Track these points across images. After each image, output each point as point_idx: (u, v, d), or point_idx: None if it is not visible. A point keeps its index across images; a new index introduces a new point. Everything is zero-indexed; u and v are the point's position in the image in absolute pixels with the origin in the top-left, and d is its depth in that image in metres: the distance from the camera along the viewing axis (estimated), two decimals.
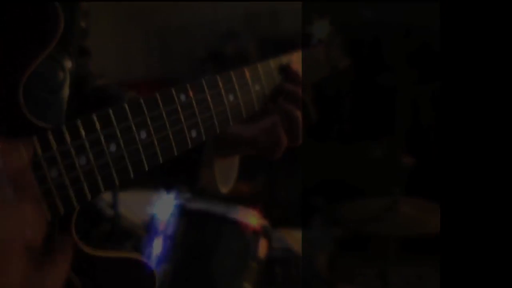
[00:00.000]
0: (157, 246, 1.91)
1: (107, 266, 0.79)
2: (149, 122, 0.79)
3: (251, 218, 1.96)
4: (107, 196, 2.47)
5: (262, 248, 1.95)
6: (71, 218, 0.75)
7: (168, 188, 2.08)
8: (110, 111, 0.75)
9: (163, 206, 1.99)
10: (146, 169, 0.80)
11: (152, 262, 1.89)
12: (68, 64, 0.85)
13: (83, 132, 0.73)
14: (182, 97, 0.84)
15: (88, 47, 1.10)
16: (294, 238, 2.34)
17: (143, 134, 0.78)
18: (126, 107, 0.77)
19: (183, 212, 1.94)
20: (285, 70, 1.04)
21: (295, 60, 1.07)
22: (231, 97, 0.92)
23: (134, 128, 0.78)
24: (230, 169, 1.12)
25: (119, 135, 0.76)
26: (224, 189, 1.10)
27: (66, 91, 0.85)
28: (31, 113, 0.71)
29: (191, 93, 0.85)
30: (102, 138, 0.74)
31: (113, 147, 0.75)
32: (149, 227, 2.00)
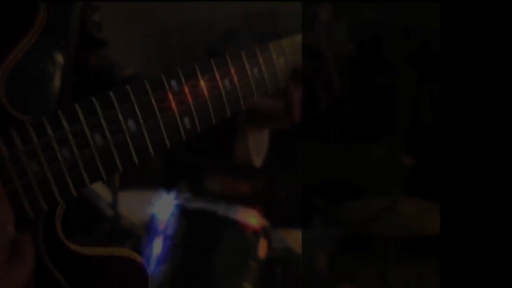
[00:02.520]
0: (157, 246, 1.91)
1: (96, 264, 0.76)
2: (137, 111, 0.75)
3: (251, 218, 1.96)
4: (107, 196, 2.47)
5: (262, 248, 1.95)
6: (55, 214, 0.72)
7: (171, 186, 2.08)
8: (94, 100, 0.72)
9: (163, 206, 1.99)
10: (136, 162, 0.75)
11: (152, 262, 1.89)
12: (59, 58, 0.84)
13: (65, 123, 0.69)
14: (173, 83, 0.79)
15: (104, 38, 1.10)
16: (294, 238, 2.34)
17: (131, 124, 0.74)
18: (112, 94, 0.73)
19: (183, 212, 1.94)
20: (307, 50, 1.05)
21: (298, 42, 1.07)
22: (226, 82, 0.87)
23: (120, 117, 0.73)
24: (262, 141, 1.14)
25: (104, 125, 0.72)
26: (257, 160, 1.11)
27: (56, 84, 0.83)
28: (13, 104, 0.69)
29: (182, 79, 0.80)
30: (86, 128, 0.71)
31: (98, 138, 0.71)
32: (149, 227, 2.00)
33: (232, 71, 0.88)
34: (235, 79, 0.89)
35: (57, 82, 0.83)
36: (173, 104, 0.79)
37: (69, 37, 0.89)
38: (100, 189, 2.49)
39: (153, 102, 0.77)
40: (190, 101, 0.81)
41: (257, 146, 1.12)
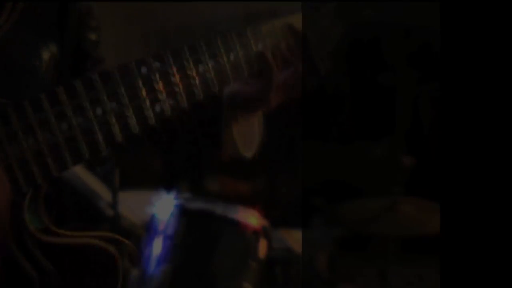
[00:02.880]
0: (157, 246, 1.91)
1: (65, 253, 0.76)
2: (105, 98, 0.75)
3: (251, 218, 1.95)
4: (107, 196, 2.47)
5: (262, 248, 1.95)
6: (23, 201, 0.72)
7: (171, 186, 2.08)
8: (61, 88, 0.72)
9: (163, 206, 1.99)
10: (104, 149, 0.76)
11: (152, 262, 1.89)
12: (46, 55, 0.84)
13: (31, 112, 0.70)
14: (143, 69, 0.79)
15: (101, 55, 1.10)
16: (294, 238, 2.34)
17: (99, 111, 0.74)
18: (79, 83, 0.73)
19: (183, 212, 1.94)
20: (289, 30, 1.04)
21: (278, 27, 1.06)
22: (200, 68, 0.87)
23: (88, 105, 0.73)
24: (250, 132, 1.12)
25: (70, 113, 0.72)
26: (247, 153, 1.10)
27: (39, 80, 0.84)
28: None
29: (153, 65, 0.80)
30: (51, 117, 0.71)
31: (64, 126, 0.72)
32: (149, 227, 2.00)
33: (206, 56, 0.88)
34: (209, 64, 0.89)
35: (44, 77, 0.84)
36: (143, 89, 0.79)
37: (62, 39, 0.89)
38: (100, 189, 2.49)
39: (122, 88, 0.77)
40: (161, 85, 0.81)
41: (244, 137, 1.10)
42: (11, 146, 0.68)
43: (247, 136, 1.11)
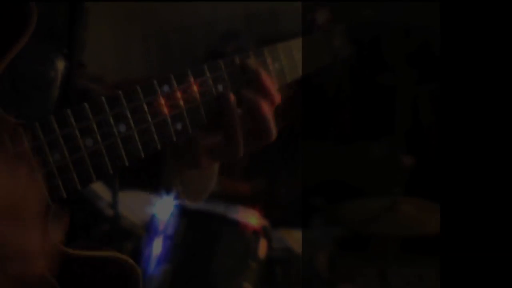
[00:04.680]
0: (157, 246, 1.91)
1: (86, 265, 0.76)
2: (128, 115, 0.76)
3: (251, 218, 1.96)
4: (107, 196, 2.47)
5: (262, 248, 1.95)
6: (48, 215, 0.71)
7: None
8: (86, 105, 0.73)
9: (163, 206, 1.99)
10: (126, 164, 0.77)
11: (152, 262, 1.89)
12: (61, 65, 0.84)
13: (56, 127, 0.70)
14: (165, 88, 0.81)
15: (83, 60, 1.08)
16: (294, 238, 2.34)
17: (122, 127, 0.76)
18: (104, 99, 0.75)
19: (183, 212, 1.94)
20: (245, 68, 0.91)
21: (295, 47, 1.06)
22: (220, 88, 0.87)
23: (111, 121, 0.75)
24: (201, 180, 1.04)
25: (95, 129, 0.74)
26: (194, 201, 1.08)
27: (55, 91, 0.84)
28: (9, 107, 0.69)
29: (174, 83, 0.82)
30: (77, 132, 0.72)
31: (89, 142, 0.73)
32: (149, 227, 2.00)
33: (225, 76, 0.89)
34: (229, 84, 0.89)
35: (56, 89, 0.83)
36: (165, 108, 0.80)
37: (72, 46, 0.88)
38: (100, 189, 2.49)
39: (145, 107, 0.78)
40: (183, 105, 0.82)
41: (193, 185, 1.02)
42: (38, 159, 0.69)
43: (197, 184, 1.03)
